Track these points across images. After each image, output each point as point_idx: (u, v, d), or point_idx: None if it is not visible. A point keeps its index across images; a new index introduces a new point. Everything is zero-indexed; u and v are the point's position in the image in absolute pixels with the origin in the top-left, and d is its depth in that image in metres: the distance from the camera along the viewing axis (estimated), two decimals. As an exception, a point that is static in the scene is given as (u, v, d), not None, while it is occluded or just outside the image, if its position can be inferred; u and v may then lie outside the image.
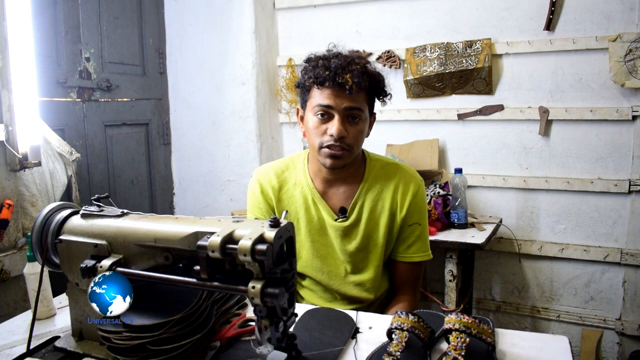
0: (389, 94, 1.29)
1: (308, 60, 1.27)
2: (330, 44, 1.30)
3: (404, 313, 0.91)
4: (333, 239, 1.31)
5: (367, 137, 1.29)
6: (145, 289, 0.92)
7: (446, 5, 2.35)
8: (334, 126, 1.19)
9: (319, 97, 1.21)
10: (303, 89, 1.27)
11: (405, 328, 0.88)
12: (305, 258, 1.34)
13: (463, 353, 0.81)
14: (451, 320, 0.86)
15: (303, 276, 1.39)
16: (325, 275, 1.34)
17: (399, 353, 0.85)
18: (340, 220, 1.30)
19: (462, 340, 0.83)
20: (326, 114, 1.21)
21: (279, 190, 1.34)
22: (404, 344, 0.86)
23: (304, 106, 1.29)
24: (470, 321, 0.85)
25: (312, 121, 1.23)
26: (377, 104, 1.30)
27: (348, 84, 1.17)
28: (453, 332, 0.85)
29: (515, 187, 2.33)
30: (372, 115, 1.30)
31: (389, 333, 0.91)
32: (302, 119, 1.31)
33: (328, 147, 1.21)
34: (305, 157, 1.36)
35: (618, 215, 2.18)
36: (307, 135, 1.27)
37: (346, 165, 1.25)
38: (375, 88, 1.25)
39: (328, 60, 1.21)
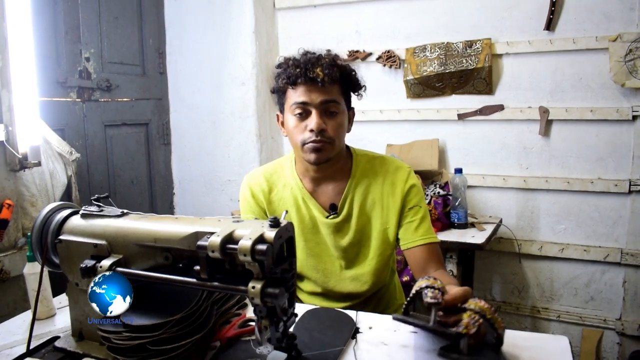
0: (363, 85, 1.31)
1: (279, 65, 1.29)
2: (300, 48, 1.32)
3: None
4: (325, 236, 1.32)
5: (348, 132, 1.31)
6: (145, 289, 0.92)
7: (446, 5, 2.35)
8: (312, 121, 1.21)
9: (294, 95, 1.24)
10: (279, 93, 1.30)
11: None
12: (300, 258, 1.34)
13: (473, 330, 0.82)
14: (469, 302, 0.87)
15: (300, 276, 1.39)
16: (321, 273, 1.34)
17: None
18: (331, 217, 1.30)
19: (476, 319, 0.84)
20: (304, 111, 1.23)
21: (269, 193, 1.36)
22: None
23: (282, 110, 1.31)
24: (486, 306, 0.87)
25: (292, 121, 1.25)
26: (356, 101, 1.32)
27: (319, 77, 1.19)
28: (467, 311, 0.85)
29: (515, 187, 2.33)
30: (351, 109, 1.32)
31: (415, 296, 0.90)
32: (282, 124, 1.32)
33: (310, 142, 1.22)
34: (292, 159, 1.37)
35: (618, 215, 2.17)
36: (289, 137, 1.29)
37: (330, 159, 1.25)
38: (348, 80, 1.27)
39: (297, 59, 1.25)
